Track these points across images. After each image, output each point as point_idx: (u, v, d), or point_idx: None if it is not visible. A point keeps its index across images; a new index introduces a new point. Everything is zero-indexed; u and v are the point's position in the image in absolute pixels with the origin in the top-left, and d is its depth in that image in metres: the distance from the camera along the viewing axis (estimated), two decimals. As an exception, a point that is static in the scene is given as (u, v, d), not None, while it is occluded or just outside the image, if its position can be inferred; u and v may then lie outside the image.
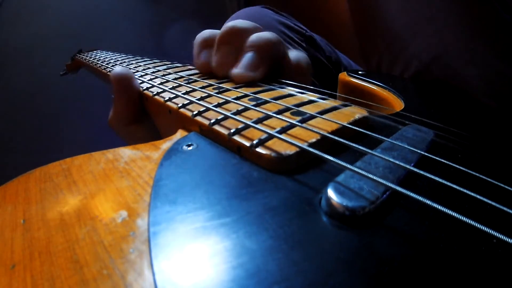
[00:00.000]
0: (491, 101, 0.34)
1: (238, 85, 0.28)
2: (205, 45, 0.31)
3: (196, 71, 0.34)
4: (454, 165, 0.16)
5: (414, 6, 0.37)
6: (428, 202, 0.12)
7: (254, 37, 0.28)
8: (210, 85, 0.28)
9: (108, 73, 0.44)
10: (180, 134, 0.22)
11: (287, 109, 0.22)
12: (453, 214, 0.12)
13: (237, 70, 0.27)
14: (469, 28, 0.35)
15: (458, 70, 0.35)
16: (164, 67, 0.38)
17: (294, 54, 0.32)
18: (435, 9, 0.36)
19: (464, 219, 0.12)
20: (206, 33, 0.31)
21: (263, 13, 0.57)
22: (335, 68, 0.59)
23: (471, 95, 0.35)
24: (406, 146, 0.17)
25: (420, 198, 0.13)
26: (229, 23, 0.29)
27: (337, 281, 0.10)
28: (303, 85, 0.28)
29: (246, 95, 0.25)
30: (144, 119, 0.32)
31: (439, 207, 0.12)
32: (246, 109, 0.22)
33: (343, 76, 0.37)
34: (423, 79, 0.38)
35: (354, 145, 0.17)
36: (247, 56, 0.27)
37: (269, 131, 0.18)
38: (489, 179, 0.15)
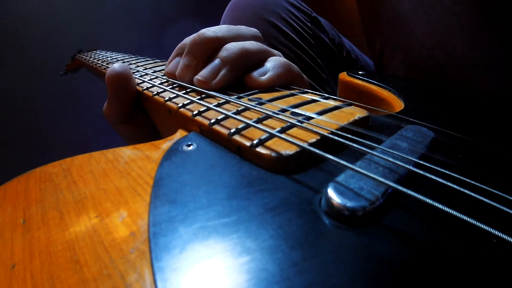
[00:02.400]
0: (493, 90, 0.33)
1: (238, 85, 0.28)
2: (179, 52, 0.31)
3: None
4: (454, 165, 0.16)
5: None
6: (428, 200, 0.12)
7: (224, 47, 0.27)
8: None
9: None
10: (180, 134, 0.22)
11: (287, 109, 0.22)
12: (453, 212, 0.12)
13: (196, 76, 0.27)
14: (474, 16, 0.35)
15: (461, 57, 0.35)
16: (164, 66, 0.38)
17: (271, 64, 0.29)
18: None
19: (464, 217, 0.12)
20: (185, 40, 0.31)
21: None
22: (338, 51, 0.60)
23: (473, 83, 0.34)
24: (406, 146, 0.17)
25: (420, 197, 0.13)
26: (200, 32, 0.28)
27: (337, 281, 0.10)
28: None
29: (246, 95, 0.25)
30: (135, 119, 0.31)
31: (439, 206, 0.12)
32: (246, 109, 0.22)
33: (343, 76, 0.37)
34: (426, 65, 0.38)
35: (354, 145, 0.17)
36: (211, 64, 0.27)
37: (269, 130, 0.18)
38: (489, 180, 0.15)
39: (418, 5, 0.38)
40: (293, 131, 0.19)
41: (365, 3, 0.45)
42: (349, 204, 0.13)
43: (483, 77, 0.34)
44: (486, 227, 0.11)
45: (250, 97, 0.25)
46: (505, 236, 0.11)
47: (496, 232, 0.11)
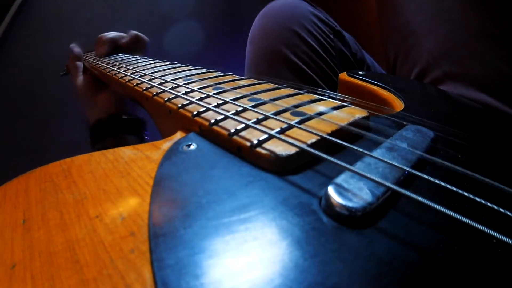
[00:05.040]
0: (495, 100, 0.34)
1: (237, 86, 0.28)
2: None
3: (196, 72, 0.34)
4: (453, 165, 0.16)
5: (431, 5, 0.41)
6: (427, 201, 0.12)
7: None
8: (210, 85, 0.28)
9: (109, 73, 0.44)
10: (180, 134, 0.22)
11: (286, 109, 0.22)
12: (450, 213, 0.12)
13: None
14: (481, 30, 0.36)
15: (465, 67, 0.37)
16: (164, 67, 0.38)
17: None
18: (449, 9, 0.39)
19: (462, 218, 0.12)
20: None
21: (299, 4, 0.61)
22: (359, 65, 0.63)
23: (476, 92, 0.35)
24: (406, 147, 0.17)
25: (418, 198, 0.13)
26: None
27: (337, 281, 0.10)
28: (303, 86, 0.28)
29: (245, 96, 0.25)
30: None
31: (437, 207, 0.12)
32: (246, 109, 0.22)
33: (344, 76, 0.37)
34: (432, 72, 0.39)
35: (353, 147, 0.17)
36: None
37: (268, 131, 0.18)
38: (488, 180, 0.15)
39: (429, 18, 0.41)
40: (292, 131, 0.19)
41: (383, 15, 0.49)
42: (349, 204, 0.13)
43: (486, 87, 0.35)
44: (482, 228, 0.11)
45: (249, 97, 0.25)
46: (504, 238, 0.11)
47: (494, 233, 0.11)
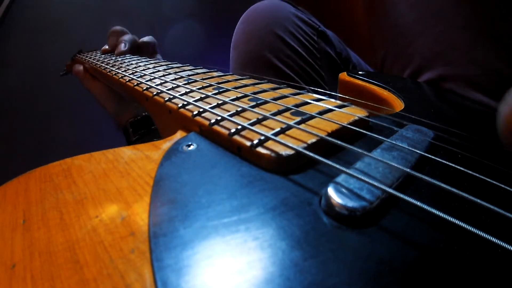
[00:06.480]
0: (490, 100, 0.34)
1: (237, 86, 0.28)
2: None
3: (196, 71, 0.34)
4: (453, 165, 0.16)
5: (423, 4, 0.39)
6: (425, 206, 0.12)
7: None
8: (210, 85, 0.28)
9: (108, 73, 0.44)
10: (180, 134, 0.22)
11: (287, 109, 0.22)
12: (448, 218, 0.12)
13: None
14: (474, 29, 0.36)
15: (459, 68, 0.36)
16: (164, 67, 0.38)
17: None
18: (442, 8, 0.38)
19: (459, 223, 0.12)
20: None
21: (281, 6, 0.60)
22: (344, 65, 0.62)
23: (473, 93, 0.35)
24: (406, 147, 0.17)
25: (413, 201, 0.12)
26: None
27: (337, 281, 0.10)
28: (303, 86, 0.28)
29: (246, 96, 0.25)
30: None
31: (433, 211, 0.12)
32: (246, 109, 0.22)
33: (343, 76, 0.37)
34: (424, 74, 0.39)
35: (352, 147, 0.17)
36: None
37: (267, 132, 0.18)
38: (488, 180, 0.15)
39: (421, 18, 0.39)
40: (292, 131, 0.19)
41: (372, 15, 0.47)
42: (349, 204, 0.13)
43: (480, 86, 0.35)
44: (482, 234, 0.11)
45: (249, 97, 0.25)
46: (504, 244, 0.11)
47: (490, 237, 0.11)
